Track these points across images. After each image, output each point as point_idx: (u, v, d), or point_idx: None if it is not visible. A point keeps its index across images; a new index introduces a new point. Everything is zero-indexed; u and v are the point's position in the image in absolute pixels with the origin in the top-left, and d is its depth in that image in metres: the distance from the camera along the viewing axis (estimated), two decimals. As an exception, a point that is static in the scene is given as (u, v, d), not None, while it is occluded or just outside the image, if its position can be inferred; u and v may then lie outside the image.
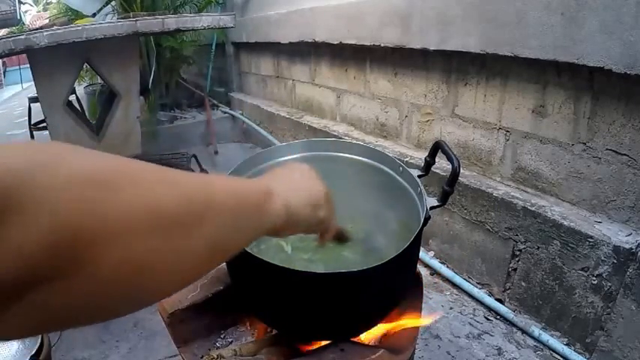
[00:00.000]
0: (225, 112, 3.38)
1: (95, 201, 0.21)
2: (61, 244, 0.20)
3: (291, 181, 0.44)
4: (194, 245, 0.27)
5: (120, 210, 0.22)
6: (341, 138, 2.02)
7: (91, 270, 0.21)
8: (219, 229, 0.29)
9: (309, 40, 2.21)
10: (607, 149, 1.06)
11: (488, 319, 1.27)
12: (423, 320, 0.72)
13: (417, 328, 0.70)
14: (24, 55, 1.50)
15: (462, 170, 0.63)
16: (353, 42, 1.88)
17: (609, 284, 1.01)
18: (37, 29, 1.63)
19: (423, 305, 0.77)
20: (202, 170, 2.29)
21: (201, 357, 0.66)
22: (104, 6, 2.96)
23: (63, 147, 0.23)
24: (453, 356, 1.14)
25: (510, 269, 1.28)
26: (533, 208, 1.18)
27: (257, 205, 0.35)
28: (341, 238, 0.63)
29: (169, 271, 0.26)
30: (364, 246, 0.78)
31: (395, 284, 0.63)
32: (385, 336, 0.72)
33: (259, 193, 0.36)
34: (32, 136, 2.39)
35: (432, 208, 0.63)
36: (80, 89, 3.38)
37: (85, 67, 2.04)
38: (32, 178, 0.19)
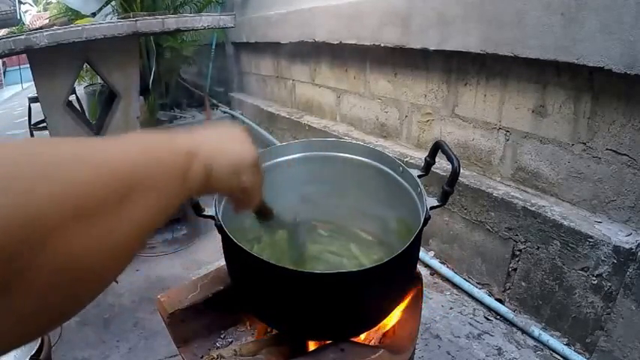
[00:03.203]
0: (225, 112, 3.38)
1: (10, 205, 0.19)
2: None
3: (218, 141, 0.41)
4: (124, 226, 0.26)
5: (43, 206, 0.20)
6: (341, 138, 2.02)
7: (31, 279, 0.20)
8: (145, 206, 0.28)
9: (309, 40, 2.21)
10: (607, 149, 1.06)
11: (488, 319, 1.27)
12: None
13: (417, 328, 0.70)
14: (24, 55, 1.50)
15: (462, 170, 0.63)
16: (353, 42, 1.88)
17: (609, 284, 1.01)
18: (37, 29, 1.63)
19: (423, 305, 0.77)
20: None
21: (201, 357, 0.66)
22: (104, 6, 2.96)
23: None
24: (453, 356, 1.14)
25: (510, 269, 1.28)
26: (533, 208, 1.18)
27: (180, 172, 0.34)
28: (263, 213, 0.62)
29: (105, 257, 0.25)
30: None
31: (395, 284, 0.63)
32: (385, 336, 0.73)
33: (181, 156, 0.34)
34: (32, 136, 2.39)
35: (432, 208, 0.63)
36: (80, 89, 3.38)
37: (85, 67, 2.03)
38: None
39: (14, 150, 0.22)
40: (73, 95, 2.41)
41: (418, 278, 0.75)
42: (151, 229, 0.30)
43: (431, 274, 1.50)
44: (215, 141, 0.41)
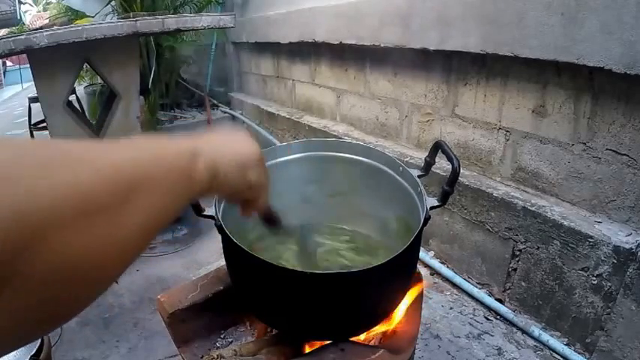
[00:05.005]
0: (225, 112, 3.38)
1: (7, 204, 0.19)
2: None
3: (221, 141, 0.42)
4: (126, 227, 0.26)
5: (43, 205, 0.20)
6: (341, 138, 2.02)
7: (23, 280, 0.19)
8: (149, 206, 0.28)
9: (309, 40, 2.21)
10: (607, 149, 1.06)
11: (488, 319, 1.27)
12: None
13: (417, 328, 0.70)
14: (24, 55, 1.50)
15: (462, 170, 0.63)
16: (353, 42, 1.88)
17: (609, 284, 1.01)
18: (37, 29, 1.63)
19: (423, 305, 0.77)
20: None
21: (201, 357, 0.66)
22: (104, 6, 2.96)
23: None
24: (453, 356, 1.14)
25: (510, 269, 1.28)
26: (533, 208, 1.18)
27: (185, 172, 0.34)
28: (270, 219, 0.59)
29: (106, 256, 0.25)
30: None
31: (395, 284, 0.63)
32: (385, 336, 0.73)
33: (185, 156, 0.34)
34: (32, 136, 2.39)
35: (432, 208, 0.63)
36: (80, 89, 3.38)
37: (85, 67, 2.03)
38: None
39: (15, 150, 0.22)
40: (73, 95, 2.41)
41: (418, 278, 0.75)
42: (154, 230, 0.30)
43: (431, 274, 1.50)
44: (218, 141, 0.42)
